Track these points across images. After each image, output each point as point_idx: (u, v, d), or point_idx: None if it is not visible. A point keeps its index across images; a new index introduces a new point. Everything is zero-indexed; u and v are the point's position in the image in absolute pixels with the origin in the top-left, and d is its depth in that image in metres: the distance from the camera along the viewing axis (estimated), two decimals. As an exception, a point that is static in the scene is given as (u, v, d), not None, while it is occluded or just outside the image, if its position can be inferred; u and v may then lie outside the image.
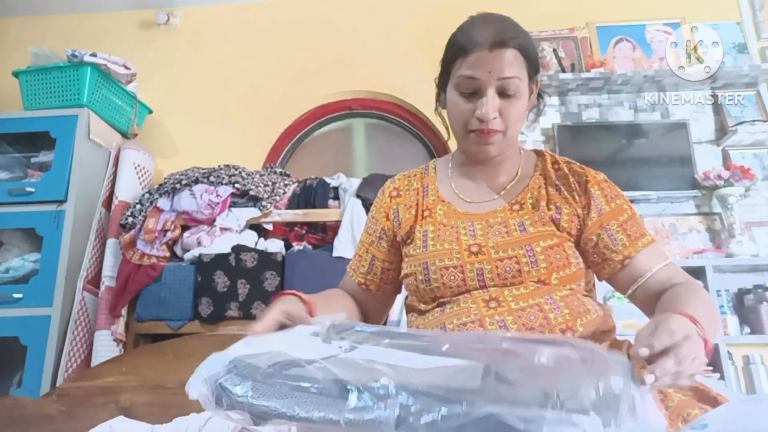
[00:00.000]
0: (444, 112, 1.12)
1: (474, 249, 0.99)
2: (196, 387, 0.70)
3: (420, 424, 0.58)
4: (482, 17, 1.03)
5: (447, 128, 1.12)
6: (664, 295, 0.92)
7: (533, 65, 1.02)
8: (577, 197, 1.02)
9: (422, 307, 1.04)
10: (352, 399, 0.61)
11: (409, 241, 1.08)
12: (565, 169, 1.06)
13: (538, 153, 1.13)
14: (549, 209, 1.02)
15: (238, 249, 2.35)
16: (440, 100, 1.12)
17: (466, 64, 0.99)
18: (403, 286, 1.15)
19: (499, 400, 0.58)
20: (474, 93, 0.99)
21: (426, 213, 1.08)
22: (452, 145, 1.18)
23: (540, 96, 1.11)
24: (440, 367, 0.67)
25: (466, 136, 1.03)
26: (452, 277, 0.98)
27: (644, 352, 0.66)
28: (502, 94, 0.98)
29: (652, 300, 0.94)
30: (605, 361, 0.67)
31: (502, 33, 0.98)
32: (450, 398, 0.59)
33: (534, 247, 0.96)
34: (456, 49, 1.01)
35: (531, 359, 0.66)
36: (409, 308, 1.10)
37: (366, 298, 1.16)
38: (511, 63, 0.97)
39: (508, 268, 0.96)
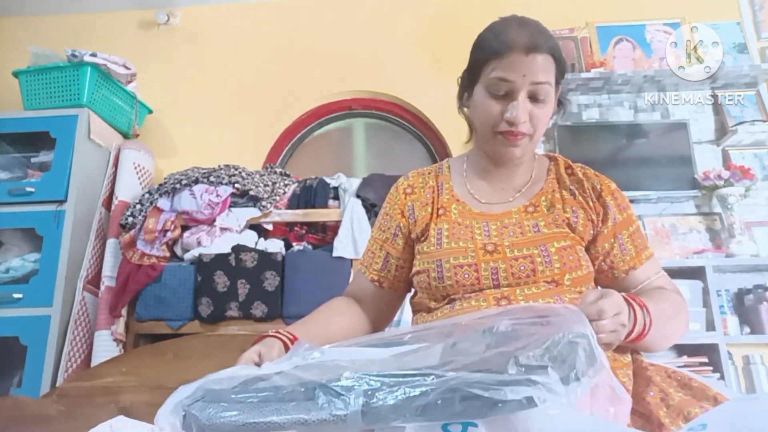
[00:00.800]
0: (467, 111, 1.12)
1: (489, 248, 0.99)
2: (165, 418, 0.69)
3: (386, 407, 0.58)
4: (515, 20, 1.03)
5: (470, 127, 1.12)
6: (646, 292, 0.99)
7: (561, 71, 1.03)
8: (591, 203, 1.04)
9: (432, 305, 1.03)
10: (319, 398, 0.61)
11: (423, 238, 1.08)
12: (580, 174, 1.08)
13: (551, 157, 1.14)
14: (565, 212, 1.03)
15: (238, 249, 2.35)
16: (463, 99, 1.11)
17: (500, 66, 0.98)
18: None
19: (461, 370, 0.59)
20: (505, 95, 0.99)
21: (441, 211, 1.08)
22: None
23: (560, 102, 1.11)
24: (402, 353, 0.68)
25: (493, 137, 1.03)
26: (466, 276, 0.98)
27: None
28: (533, 98, 0.99)
29: None
30: (560, 315, 0.70)
31: (537, 37, 0.98)
32: (413, 378, 0.60)
33: (549, 247, 0.97)
34: (490, 50, 1.00)
35: (490, 329, 0.68)
36: (417, 307, 1.09)
37: (378, 295, 1.14)
38: (545, 68, 0.98)
39: (522, 267, 0.96)
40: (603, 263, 1.03)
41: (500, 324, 0.69)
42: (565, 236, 1.00)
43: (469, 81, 1.07)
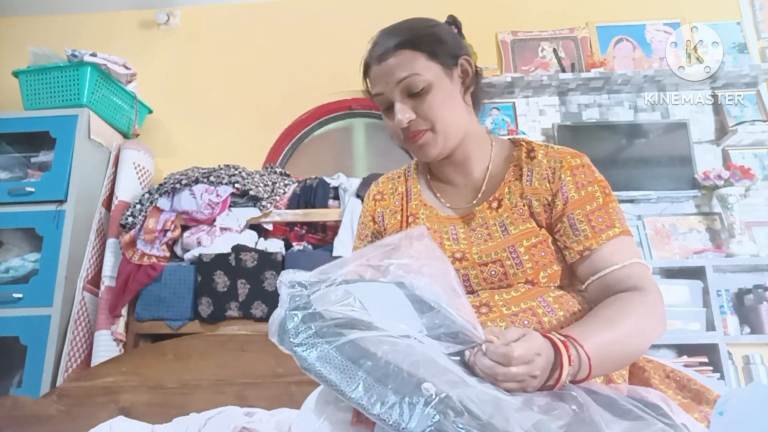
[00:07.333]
0: None
1: (458, 255, 0.98)
2: (283, 288, 0.77)
3: None
4: (373, 37, 1.05)
5: None
6: (601, 303, 0.88)
7: (434, 53, 0.99)
8: (548, 185, 0.97)
9: None
10: (392, 398, 0.62)
11: None
12: (540, 156, 1.00)
13: (515, 142, 1.07)
14: (524, 203, 0.98)
15: (238, 249, 2.35)
16: None
17: (370, 85, 1.05)
18: None
19: None
20: (389, 107, 1.01)
21: (411, 219, 1.07)
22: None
23: (477, 74, 1.06)
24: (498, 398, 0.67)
25: (406, 147, 1.05)
26: None
27: (487, 341, 0.72)
28: (408, 94, 0.99)
29: (601, 298, 0.89)
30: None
31: (384, 43, 1.00)
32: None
33: (517, 248, 0.94)
34: (363, 73, 1.06)
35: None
36: None
37: None
38: (402, 65, 0.98)
39: (493, 272, 0.95)
40: (558, 244, 0.95)
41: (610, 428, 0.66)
42: (533, 232, 0.95)
43: None
